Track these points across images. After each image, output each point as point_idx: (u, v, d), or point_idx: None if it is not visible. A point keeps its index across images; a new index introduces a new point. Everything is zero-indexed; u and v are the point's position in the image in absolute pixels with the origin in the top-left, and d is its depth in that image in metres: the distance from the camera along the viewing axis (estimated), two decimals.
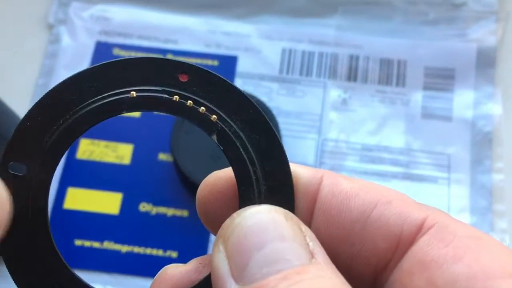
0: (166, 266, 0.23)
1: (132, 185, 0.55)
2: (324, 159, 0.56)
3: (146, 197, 0.54)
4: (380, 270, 0.21)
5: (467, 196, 0.54)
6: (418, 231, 0.21)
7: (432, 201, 0.54)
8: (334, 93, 0.59)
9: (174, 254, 0.52)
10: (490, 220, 0.53)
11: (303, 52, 0.60)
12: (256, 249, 0.19)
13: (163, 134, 0.56)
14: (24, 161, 0.20)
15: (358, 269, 0.22)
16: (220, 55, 0.61)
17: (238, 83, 0.59)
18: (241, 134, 0.21)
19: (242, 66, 0.60)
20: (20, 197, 0.20)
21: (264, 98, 0.57)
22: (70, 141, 0.21)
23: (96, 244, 0.53)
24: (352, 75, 0.59)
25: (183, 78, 0.22)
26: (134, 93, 0.21)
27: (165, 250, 0.52)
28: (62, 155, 0.21)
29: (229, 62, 0.60)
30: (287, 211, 0.20)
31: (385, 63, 0.60)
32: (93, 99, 0.21)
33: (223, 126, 0.21)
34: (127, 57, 0.21)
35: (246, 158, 0.21)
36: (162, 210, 0.54)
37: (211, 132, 0.21)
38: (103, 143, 0.57)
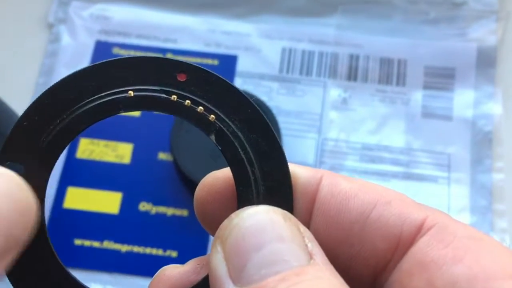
0: (164, 267, 0.23)
1: (132, 185, 0.55)
2: (324, 158, 0.56)
3: (146, 196, 0.54)
4: (380, 270, 0.21)
5: (467, 196, 0.54)
6: (418, 231, 0.21)
7: (432, 200, 0.54)
8: (334, 92, 0.59)
9: (174, 254, 0.52)
10: (490, 219, 0.53)
11: (303, 52, 0.60)
12: (254, 250, 0.18)
13: (163, 134, 0.55)
14: (21, 161, 0.20)
15: (357, 270, 0.22)
16: (220, 54, 0.60)
17: (238, 82, 0.59)
18: (239, 134, 0.21)
19: (242, 65, 0.60)
20: None
21: (264, 98, 0.57)
22: (67, 141, 0.21)
23: (96, 244, 0.53)
24: (352, 75, 0.59)
25: (181, 78, 0.22)
26: (131, 93, 0.21)
27: (164, 250, 0.52)
28: (60, 155, 0.21)
29: (229, 62, 0.60)
30: (285, 211, 0.20)
31: (385, 63, 0.60)
32: (91, 99, 0.21)
33: (221, 126, 0.21)
34: (125, 56, 0.21)
35: (245, 158, 0.21)
36: (162, 209, 0.54)
37: (209, 132, 0.21)
38: (102, 142, 0.56)
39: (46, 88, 0.21)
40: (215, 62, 0.60)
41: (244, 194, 0.21)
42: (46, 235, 0.21)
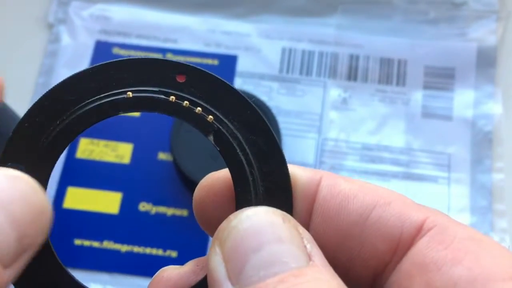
0: (163, 268, 0.23)
1: (131, 185, 0.55)
2: (324, 158, 0.56)
3: (145, 196, 0.54)
4: (379, 272, 0.21)
5: (467, 196, 0.54)
6: (418, 233, 0.21)
7: (432, 200, 0.54)
8: (334, 92, 0.59)
9: (173, 254, 0.52)
10: (490, 219, 0.53)
11: (303, 52, 0.60)
12: (253, 252, 0.18)
13: (162, 134, 0.55)
14: (22, 161, 0.20)
15: (357, 271, 0.22)
16: (220, 54, 0.60)
17: (238, 82, 0.59)
18: (238, 135, 0.21)
19: (242, 65, 0.60)
20: None
21: (264, 98, 0.57)
22: (67, 142, 0.21)
23: (95, 244, 0.53)
24: (352, 75, 0.59)
25: (181, 79, 0.22)
26: (130, 94, 0.21)
27: (164, 250, 0.52)
28: (59, 156, 0.21)
29: (229, 62, 0.60)
30: (284, 213, 0.20)
31: (385, 63, 0.60)
32: (90, 100, 0.21)
33: (220, 127, 0.21)
34: (125, 58, 0.21)
35: (243, 159, 0.21)
36: (161, 209, 0.54)
37: (207, 132, 0.21)
38: (102, 142, 0.56)
39: (47, 90, 0.21)
40: (215, 62, 0.60)
41: (243, 195, 0.21)
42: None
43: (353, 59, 0.60)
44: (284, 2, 0.62)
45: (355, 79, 0.59)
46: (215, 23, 0.62)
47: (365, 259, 0.21)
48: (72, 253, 0.52)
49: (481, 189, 0.54)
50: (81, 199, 0.54)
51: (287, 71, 0.60)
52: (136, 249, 0.52)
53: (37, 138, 0.21)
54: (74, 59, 0.60)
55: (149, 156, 0.56)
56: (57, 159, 0.21)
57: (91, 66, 0.21)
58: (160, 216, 0.54)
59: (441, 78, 0.59)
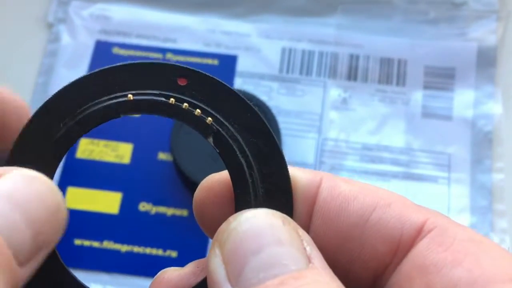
0: (163, 270, 0.23)
1: (131, 185, 0.55)
2: (324, 158, 0.56)
3: (145, 196, 0.54)
4: (379, 273, 0.21)
5: (467, 196, 0.54)
6: (418, 234, 0.21)
7: (432, 200, 0.54)
8: (334, 92, 0.59)
9: (173, 254, 0.52)
10: (490, 220, 0.53)
11: (303, 51, 0.60)
12: (253, 254, 0.18)
13: (163, 134, 0.55)
14: (27, 164, 0.21)
15: (357, 273, 0.22)
16: (220, 54, 0.60)
17: (238, 82, 0.59)
18: (238, 137, 0.21)
19: (242, 65, 0.60)
20: None
21: (264, 97, 0.57)
22: (69, 144, 0.21)
23: (95, 244, 0.53)
24: (352, 74, 0.59)
25: (182, 82, 0.22)
26: (131, 96, 0.21)
27: (164, 250, 0.52)
28: (62, 157, 0.22)
29: (229, 62, 0.60)
30: (284, 215, 0.20)
31: (385, 62, 0.60)
32: (92, 103, 0.21)
33: (219, 129, 0.21)
34: (127, 62, 0.22)
35: (243, 161, 0.21)
36: (161, 209, 0.54)
37: (207, 134, 0.22)
38: (102, 142, 0.56)
39: (49, 91, 0.21)
40: (215, 62, 0.60)
41: (242, 197, 0.21)
42: None
43: (353, 59, 0.60)
44: (284, 2, 0.62)
45: (355, 79, 0.59)
46: (215, 23, 0.62)
47: (365, 261, 0.21)
48: (72, 253, 0.52)
49: (481, 189, 0.54)
50: (81, 199, 0.54)
51: (287, 71, 0.60)
52: (136, 249, 0.52)
53: (41, 140, 0.21)
54: (74, 58, 0.60)
55: (149, 156, 0.56)
56: (60, 161, 0.21)
57: (94, 71, 0.22)
58: (160, 216, 0.54)
59: (441, 78, 0.59)
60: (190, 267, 0.23)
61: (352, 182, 0.22)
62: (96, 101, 0.21)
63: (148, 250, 0.52)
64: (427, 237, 0.20)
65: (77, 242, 0.52)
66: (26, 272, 0.18)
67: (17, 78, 0.61)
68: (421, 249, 0.20)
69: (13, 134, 0.21)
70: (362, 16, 0.62)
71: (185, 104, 0.21)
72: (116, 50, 0.61)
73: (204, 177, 0.23)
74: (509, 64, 0.59)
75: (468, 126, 0.57)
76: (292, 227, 0.20)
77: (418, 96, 0.58)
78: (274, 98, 0.58)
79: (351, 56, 0.60)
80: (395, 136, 0.57)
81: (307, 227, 0.22)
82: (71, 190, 0.54)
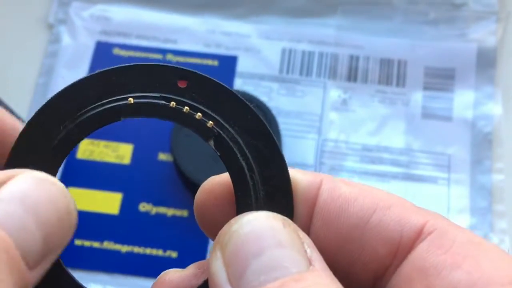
0: (165, 271, 0.23)
1: (132, 185, 0.55)
2: (324, 159, 0.56)
3: (146, 197, 0.54)
4: (379, 275, 0.21)
5: (467, 197, 0.54)
6: (418, 236, 0.21)
7: (432, 201, 0.54)
8: (334, 93, 0.59)
9: (174, 254, 0.52)
10: (490, 220, 0.53)
11: (303, 52, 0.60)
12: (254, 257, 0.18)
13: (163, 134, 0.56)
14: (27, 167, 0.21)
15: (357, 275, 0.22)
16: (220, 55, 0.60)
17: (238, 83, 0.59)
18: (239, 139, 0.21)
19: (242, 66, 0.60)
20: None
21: (264, 98, 0.57)
22: (70, 147, 0.21)
23: (96, 244, 0.53)
24: (352, 75, 0.59)
25: (182, 84, 0.22)
26: (131, 100, 0.21)
27: (165, 250, 0.52)
28: (63, 160, 0.21)
29: (229, 62, 0.60)
30: (285, 217, 0.20)
31: (385, 63, 0.60)
32: (92, 106, 0.21)
33: (220, 132, 0.21)
34: (127, 64, 0.22)
35: (244, 164, 0.21)
36: (162, 210, 0.54)
37: (207, 138, 0.22)
38: (103, 143, 0.57)
39: (49, 92, 0.21)
40: (215, 62, 0.60)
41: (243, 199, 0.21)
42: None
43: (353, 60, 0.60)
44: (284, 2, 0.62)
45: (355, 80, 0.59)
46: (215, 23, 0.62)
47: (365, 263, 0.21)
48: (73, 253, 0.52)
49: (481, 190, 0.54)
50: (81, 199, 0.54)
51: (287, 72, 0.60)
52: (136, 249, 0.52)
53: (41, 143, 0.21)
54: (75, 59, 0.60)
55: (149, 157, 0.56)
56: (61, 164, 0.21)
57: (94, 73, 0.22)
58: (160, 217, 0.54)
59: (441, 78, 0.59)
60: (191, 268, 0.23)
61: (352, 184, 0.23)
62: (97, 104, 0.21)
63: (148, 251, 0.52)
64: (427, 239, 0.20)
65: (78, 242, 0.53)
66: (34, 276, 0.18)
67: (18, 79, 0.61)
68: (421, 251, 0.20)
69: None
70: (362, 17, 0.62)
71: (186, 107, 0.21)
72: (116, 51, 0.61)
73: (205, 177, 0.23)
74: (509, 65, 0.59)
75: (468, 127, 0.57)
76: (293, 230, 0.20)
77: (418, 97, 0.58)
78: (274, 98, 0.58)
79: (351, 57, 0.60)
80: (395, 137, 0.57)
81: (307, 229, 0.22)
82: (72, 191, 0.54)
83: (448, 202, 0.54)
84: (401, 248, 0.21)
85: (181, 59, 0.60)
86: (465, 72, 0.59)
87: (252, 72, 0.60)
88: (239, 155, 0.21)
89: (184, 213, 0.54)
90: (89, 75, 0.22)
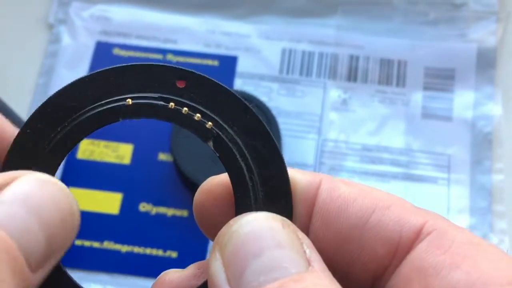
0: (165, 271, 0.23)
1: (132, 185, 0.55)
2: (324, 159, 0.56)
3: (146, 197, 0.54)
4: (378, 275, 0.21)
5: (467, 197, 0.54)
6: (417, 237, 0.21)
7: (431, 201, 0.54)
8: (334, 93, 0.59)
9: (174, 254, 0.52)
10: (489, 220, 0.53)
11: (303, 52, 0.60)
12: (253, 257, 0.19)
13: (163, 134, 0.56)
14: (24, 168, 0.20)
15: (356, 274, 0.22)
16: (220, 55, 0.61)
17: (238, 83, 0.59)
18: (238, 140, 0.21)
19: (242, 66, 0.60)
20: None
21: (264, 98, 0.57)
22: (68, 148, 0.21)
23: (96, 244, 0.53)
24: (352, 75, 0.59)
25: (180, 84, 0.22)
26: (130, 101, 0.21)
27: (165, 250, 0.52)
28: (61, 162, 0.21)
29: (229, 62, 0.60)
30: (284, 218, 0.20)
31: (385, 63, 0.60)
32: (91, 107, 0.21)
33: (219, 133, 0.21)
34: (125, 64, 0.22)
35: (243, 164, 0.21)
36: (162, 210, 0.54)
37: (206, 139, 0.21)
38: (103, 143, 0.57)
39: (48, 96, 0.21)
40: (215, 63, 0.60)
41: (242, 200, 0.21)
42: None
43: (353, 60, 0.60)
44: (284, 3, 0.62)
45: (355, 80, 0.59)
46: (215, 24, 0.62)
47: (365, 263, 0.21)
48: (73, 253, 0.52)
49: (481, 190, 0.54)
50: (81, 199, 0.54)
51: (287, 72, 0.60)
52: (137, 249, 0.53)
53: (39, 144, 0.21)
54: (75, 59, 0.60)
55: (149, 157, 0.56)
56: (58, 166, 0.21)
57: (92, 72, 0.21)
58: (160, 217, 0.54)
59: (441, 79, 0.59)
60: (191, 269, 0.23)
61: (351, 184, 0.23)
62: (94, 105, 0.21)
63: (148, 251, 0.52)
64: (426, 239, 0.20)
65: (78, 242, 0.53)
66: (37, 278, 0.18)
67: (18, 79, 0.61)
68: (420, 251, 0.20)
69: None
70: (362, 17, 0.62)
71: (185, 108, 0.21)
72: (116, 51, 0.61)
73: (204, 177, 0.23)
74: (508, 65, 0.59)
75: (468, 127, 0.57)
76: (292, 230, 0.20)
77: (418, 97, 0.58)
78: (274, 99, 0.58)
79: (351, 57, 0.60)
80: (395, 137, 0.57)
81: (306, 229, 0.22)
82: (72, 191, 0.54)
83: (448, 202, 0.54)
84: (400, 248, 0.21)
85: (181, 59, 0.60)
86: (465, 72, 0.59)
87: (252, 72, 0.60)
88: (238, 156, 0.21)
89: (184, 213, 0.54)
90: (86, 75, 0.21)
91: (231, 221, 0.20)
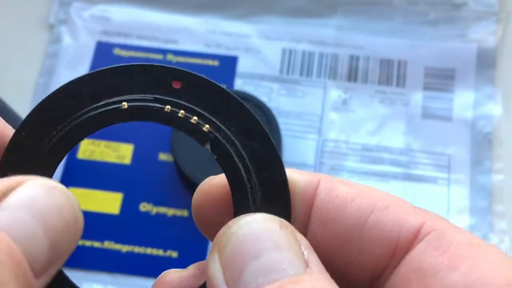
0: (165, 271, 0.23)
1: (132, 185, 0.55)
2: (324, 159, 0.56)
3: (146, 197, 0.55)
4: (377, 276, 0.21)
5: (467, 197, 0.54)
6: (415, 237, 0.21)
7: (431, 201, 0.54)
8: (334, 93, 0.59)
9: (174, 254, 0.52)
10: (489, 221, 0.53)
11: (303, 52, 0.60)
12: (251, 259, 0.19)
13: (163, 134, 0.56)
14: (21, 170, 0.20)
15: (355, 275, 0.22)
16: (220, 55, 0.61)
17: (239, 83, 0.59)
18: (235, 141, 0.21)
19: (242, 66, 0.60)
20: None
21: (264, 98, 0.57)
22: (64, 151, 0.21)
23: (96, 244, 0.53)
24: (352, 76, 0.59)
25: (177, 85, 0.21)
26: (125, 104, 0.21)
27: (165, 250, 0.53)
28: (58, 164, 0.21)
29: (229, 62, 0.60)
30: (282, 219, 0.20)
31: (385, 64, 0.60)
32: (87, 109, 0.21)
33: (216, 135, 0.21)
34: (121, 64, 0.21)
35: (241, 166, 0.21)
36: (162, 210, 0.54)
37: (203, 142, 0.21)
38: (103, 143, 0.57)
39: (44, 97, 0.21)
40: (215, 63, 0.60)
41: (241, 201, 0.21)
42: None
43: (353, 60, 0.60)
44: (284, 3, 0.62)
45: (355, 80, 0.59)
46: (215, 24, 0.62)
47: (363, 263, 0.21)
48: (73, 253, 0.52)
49: (481, 190, 0.54)
50: (82, 199, 0.54)
51: (287, 72, 0.60)
52: (137, 249, 0.53)
53: (35, 146, 0.21)
54: (75, 59, 0.60)
55: (149, 157, 0.56)
56: (56, 167, 0.21)
57: (88, 73, 0.21)
58: (160, 217, 0.54)
59: (441, 79, 0.59)
60: (191, 269, 0.23)
61: (350, 184, 0.22)
62: (91, 107, 0.21)
63: (148, 251, 0.52)
64: (424, 240, 0.20)
65: (78, 242, 0.53)
66: (40, 283, 0.18)
67: (18, 79, 0.61)
68: (418, 252, 0.20)
69: None
70: (362, 17, 0.62)
71: (182, 111, 0.21)
72: (117, 51, 0.61)
73: (204, 177, 0.23)
74: (508, 65, 0.59)
75: (468, 127, 0.57)
76: (290, 232, 0.20)
77: (418, 97, 0.58)
78: (274, 99, 0.58)
79: (351, 57, 0.60)
80: (395, 137, 0.57)
81: (305, 229, 0.22)
82: (72, 191, 0.54)
83: (447, 202, 0.54)
84: (399, 248, 0.21)
85: (181, 59, 0.60)
86: (465, 72, 0.59)
87: (252, 72, 0.60)
88: (236, 158, 0.21)
89: (184, 213, 0.54)
90: (83, 75, 0.21)
91: (230, 223, 0.20)
